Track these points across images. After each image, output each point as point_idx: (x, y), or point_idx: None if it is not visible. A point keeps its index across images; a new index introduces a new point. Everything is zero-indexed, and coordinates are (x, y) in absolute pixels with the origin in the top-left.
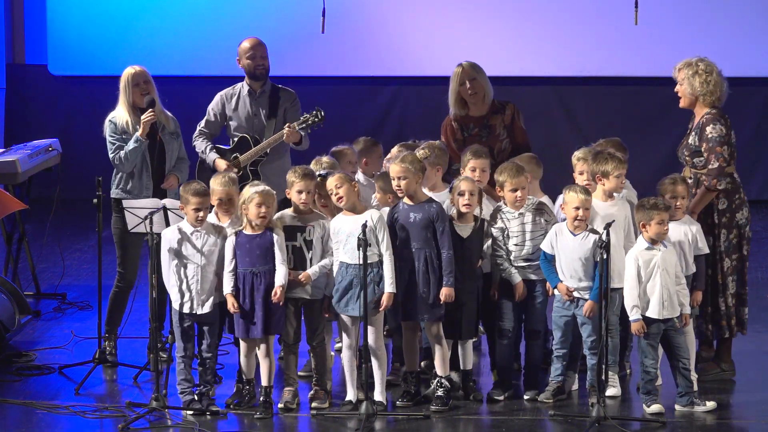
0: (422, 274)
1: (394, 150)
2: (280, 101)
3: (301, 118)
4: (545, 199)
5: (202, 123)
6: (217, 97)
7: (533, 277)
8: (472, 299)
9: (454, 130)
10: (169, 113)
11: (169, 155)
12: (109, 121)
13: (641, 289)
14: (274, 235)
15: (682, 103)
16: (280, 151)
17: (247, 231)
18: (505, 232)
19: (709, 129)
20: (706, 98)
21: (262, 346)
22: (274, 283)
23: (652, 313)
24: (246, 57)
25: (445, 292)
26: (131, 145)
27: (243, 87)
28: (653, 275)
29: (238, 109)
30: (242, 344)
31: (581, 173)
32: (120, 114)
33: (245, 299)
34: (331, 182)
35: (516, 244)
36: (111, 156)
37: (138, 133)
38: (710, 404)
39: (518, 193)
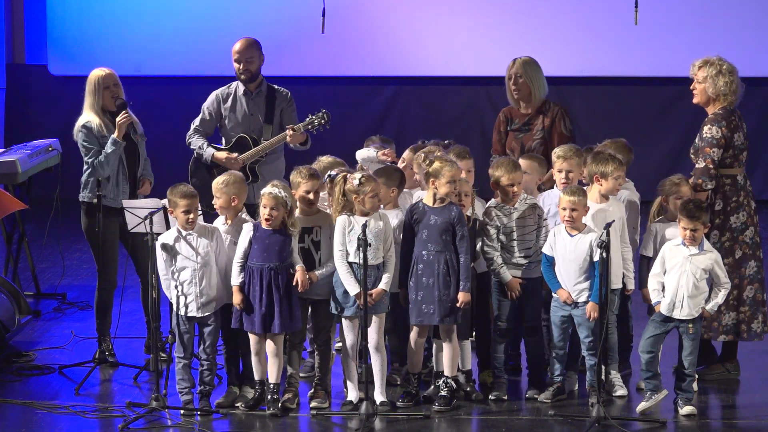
0: (443, 277)
1: (407, 154)
2: (276, 102)
3: (307, 119)
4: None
5: (197, 121)
6: (212, 96)
7: (530, 275)
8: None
9: (500, 121)
10: (134, 115)
11: (141, 157)
12: (83, 126)
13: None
14: (292, 240)
15: (698, 100)
16: (276, 151)
17: (265, 225)
18: (500, 230)
19: (705, 129)
20: (727, 98)
21: (274, 344)
22: (290, 280)
23: (662, 308)
24: (234, 59)
25: (462, 297)
26: (110, 148)
27: (239, 87)
28: (672, 272)
29: (235, 109)
30: (252, 342)
31: (560, 171)
32: (91, 118)
33: (262, 294)
34: (374, 186)
35: (514, 239)
36: (89, 161)
37: (115, 136)
38: (687, 409)
39: (514, 188)
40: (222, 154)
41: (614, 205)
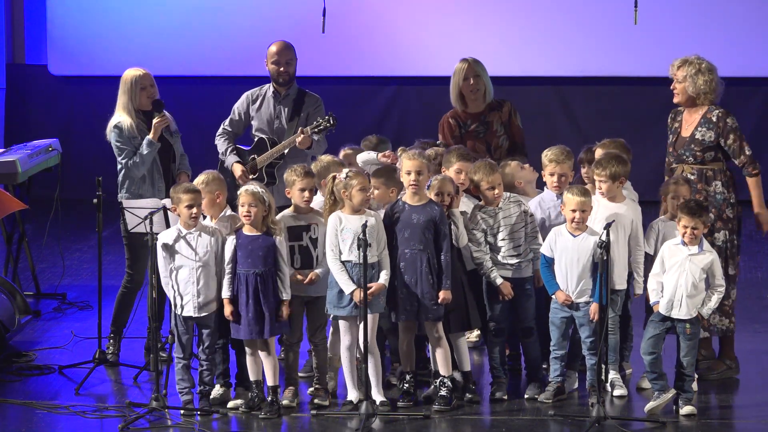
0: (424, 275)
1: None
2: (303, 105)
3: (314, 122)
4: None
5: (227, 122)
6: (243, 97)
7: (521, 275)
8: (457, 292)
9: (451, 127)
10: (167, 113)
11: (177, 154)
12: (115, 127)
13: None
14: (275, 238)
15: (679, 99)
16: (299, 155)
17: (247, 231)
18: (488, 232)
19: (730, 121)
20: (708, 97)
21: (265, 346)
22: (277, 284)
23: (661, 307)
24: (271, 62)
25: (443, 295)
26: (145, 149)
27: (269, 88)
28: (671, 272)
29: (261, 111)
30: (246, 347)
31: (552, 174)
32: (124, 119)
33: (248, 300)
34: (362, 181)
35: (503, 239)
36: (123, 161)
37: (150, 137)
38: (687, 409)
39: (495, 191)
40: (238, 168)
41: (631, 206)
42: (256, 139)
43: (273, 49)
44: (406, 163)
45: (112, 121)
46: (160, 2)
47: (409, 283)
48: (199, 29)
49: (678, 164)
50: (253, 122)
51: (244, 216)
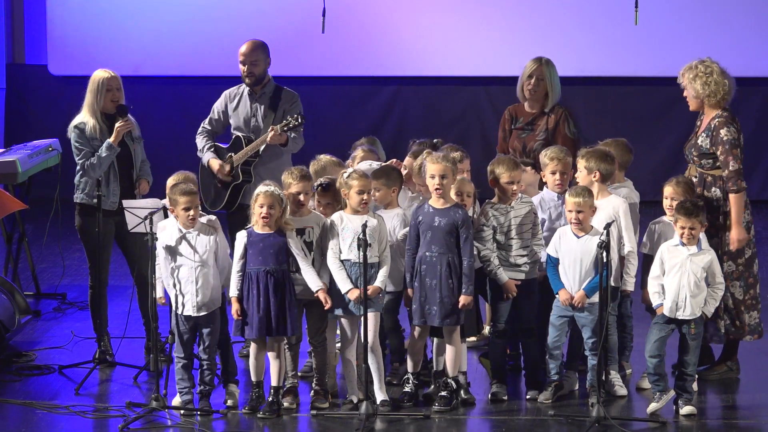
0: (445, 279)
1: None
2: (279, 102)
3: (284, 121)
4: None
5: (206, 120)
6: (222, 96)
7: (526, 276)
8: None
9: (505, 120)
10: (132, 118)
11: (136, 160)
12: (76, 127)
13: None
14: (288, 239)
15: (691, 107)
16: (276, 152)
17: (258, 229)
18: (497, 229)
19: (723, 132)
20: (710, 99)
21: (275, 347)
22: (287, 283)
23: (665, 309)
24: (239, 61)
25: (463, 300)
26: (104, 152)
27: (246, 87)
28: (672, 273)
29: (238, 109)
30: (252, 345)
31: (553, 173)
32: (87, 119)
33: (259, 298)
34: (362, 183)
35: (512, 237)
36: (80, 162)
37: (111, 141)
38: (687, 409)
39: (513, 186)
40: (215, 163)
41: (612, 203)
42: (233, 138)
43: (241, 48)
44: (431, 167)
45: (74, 121)
46: (160, 2)
47: (429, 287)
48: (199, 29)
49: (690, 165)
50: (231, 121)
51: (263, 217)
